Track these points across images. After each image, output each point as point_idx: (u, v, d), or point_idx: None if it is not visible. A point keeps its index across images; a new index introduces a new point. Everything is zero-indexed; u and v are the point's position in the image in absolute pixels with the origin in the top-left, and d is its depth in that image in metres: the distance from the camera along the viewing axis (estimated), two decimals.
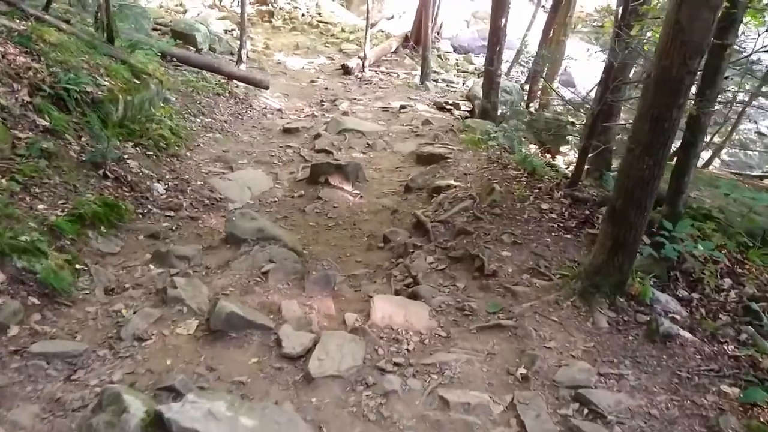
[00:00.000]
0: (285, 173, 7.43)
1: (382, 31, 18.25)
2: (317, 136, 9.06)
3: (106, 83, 6.65)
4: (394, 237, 5.44)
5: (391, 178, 7.37)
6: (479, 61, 17.97)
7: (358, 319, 3.95)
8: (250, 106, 10.92)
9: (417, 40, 16.06)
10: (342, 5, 20.38)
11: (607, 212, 4.05)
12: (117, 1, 12.19)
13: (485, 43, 20.63)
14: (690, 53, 3.47)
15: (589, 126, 6.17)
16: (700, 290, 4.71)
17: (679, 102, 3.60)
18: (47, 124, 5.76)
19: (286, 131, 9.44)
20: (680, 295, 4.62)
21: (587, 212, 5.50)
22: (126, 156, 6.28)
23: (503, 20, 9.11)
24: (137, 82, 7.28)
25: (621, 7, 5.67)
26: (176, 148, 7.49)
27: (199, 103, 9.44)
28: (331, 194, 6.57)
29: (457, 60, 17.12)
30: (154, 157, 6.78)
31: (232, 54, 13.72)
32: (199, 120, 8.90)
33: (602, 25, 8.52)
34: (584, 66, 19.36)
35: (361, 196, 6.70)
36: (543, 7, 16.65)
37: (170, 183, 6.37)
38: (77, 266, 4.47)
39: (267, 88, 11.26)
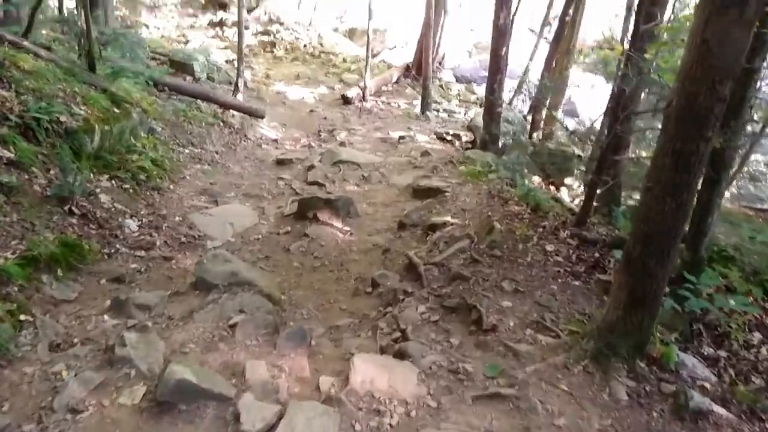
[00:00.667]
0: (272, 207, 6.89)
1: (384, 62, 17.93)
2: (311, 167, 8.55)
3: (81, 112, 6.18)
4: (383, 281, 4.85)
5: (385, 213, 6.81)
6: (481, 90, 17.57)
7: (334, 384, 3.33)
8: (245, 136, 10.45)
9: (418, 69, 15.67)
10: (345, 36, 20.13)
11: (623, 261, 3.45)
12: (112, 30, 11.93)
13: (487, 73, 20.37)
14: (719, 77, 2.92)
15: (598, 159, 5.61)
16: (727, 347, 4.08)
17: (706, 134, 3.04)
18: (12, 155, 5.26)
19: (280, 163, 8.93)
20: (705, 353, 3.99)
21: (597, 255, 4.89)
22: (98, 190, 5.76)
23: (504, 49, 8.65)
24: (117, 111, 6.81)
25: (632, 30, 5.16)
26: (158, 180, 6.98)
27: (190, 133, 8.97)
28: (319, 231, 6.01)
29: (459, 90, 16.72)
30: (131, 190, 6.25)
31: (231, 84, 13.33)
32: (187, 151, 8.41)
33: (611, 48, 8.06)
34: (588, 95, 18.94)
35: (351, 233, 6.13)
36: (545, 38, 16.28)
37: (145, 219, 5.83)
38: (22, 317, 3.89)
39: (262, 117, 10.81)
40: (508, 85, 18.88)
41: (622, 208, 6.53)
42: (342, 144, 10.32)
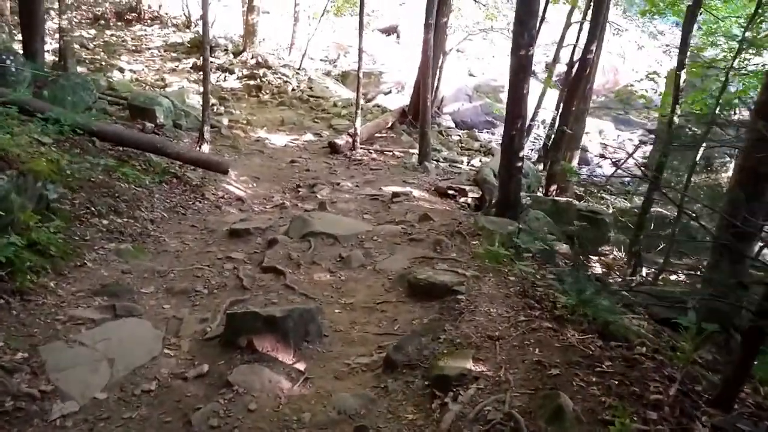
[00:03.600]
0: (193, 321, 4.24)
1: (378, 106, 15.57)
2: (272, 242, 5.96)
3: None
4: None
5: (365, 328, 4.15)
6: (484, 137, 15.17)
7: None
8: (202, 195, 7.90)
9: (415, 114, 13.26)
10: (337, 80, 17.87)
11: None
12: (52, 72, 9.55)
13: (489, 118, 17.94)
14: None
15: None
16: None
17: None
18: None
19: (233, 234, 6.34)
20: None
21: None
22: None
23: (525, 87, 6.18)
24: None
25: None
26: (32, 276, 4.39)
27: (118, 197, 6.40)
28: (251, 378, 3.36)
29: (460, 136, 14.28)
30: None
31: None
32: (104, 223, 5.83)
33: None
34: (596, 142, 16.53)
35: (306, 380, 3.45)
36: (557, 78, 13.98)
37: None
38: None
39: (225, 172, 8.29)
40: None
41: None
42: (322, 204, 7.76)
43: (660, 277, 6.81)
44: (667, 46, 14.31)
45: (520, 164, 6.35)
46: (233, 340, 3.69)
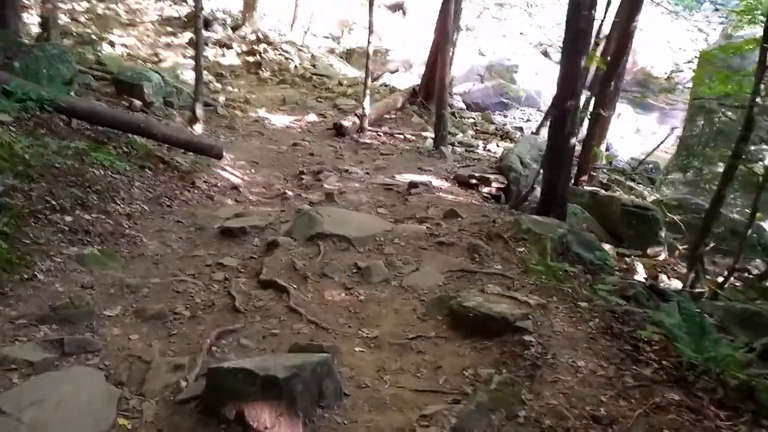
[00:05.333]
0: (165, 367, 3.00)
1: (386, 85, 14.20)
2: (272, 246, 4.73)
3: None
4: None
5: (398, 382, 2.92)
6: (498, 119, 13.87)
7: None
8: (192, 183, 6.64)
9: (427, 94, 11.95)
10: (341, 58, 16.44)
11: None
12: (24, 43, 8.21)
13: (502, 99, 16.50)
14: None
15: None
16: None
17: None
18: None
19: (226, 234, 5.10)
20: None
21: None
22: None
23: (582, 59, 4.88)
24: None
25: None
26: None
27: (87, 187, 5.13)
28: None
29: (474, 119, 12.95)
30: None
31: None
32: (67, 220, 4.58)
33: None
34: (625, 129, 15.22)
35: None
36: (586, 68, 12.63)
37: None
38: None
39: (218, 157, 7.02)
40: (530, 114, 15.19)
41: None
42: (330, 195, 6.52)
43: (725, 286, 5.64)
44: (707, 18, 12.93)
45: (571, 153, 5.11)
46: (216, 407, 2.49)
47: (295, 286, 4.02)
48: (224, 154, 7.43)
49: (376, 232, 5.05)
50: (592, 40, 5.03)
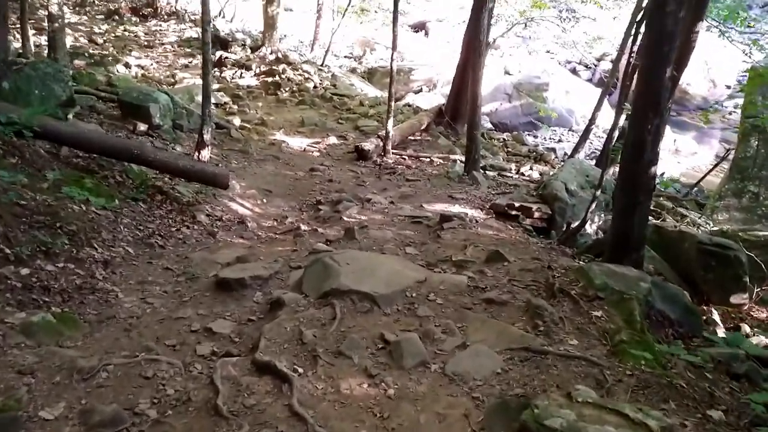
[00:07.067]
0: None
1: (409, 105, 13.17)
2: (276, 306, 3.63)
3: None
4: None
5: None
6: (530, 140, 12.69)
7: None
8: (193, 218, 5.62)
9: (454, 114, 10.88)
10: (363, 78, 15.51)
11: None
12: (19, 62, 7.39)
13: (531, 119, 15.36)
14: None
15: None
16: None
17: None
18: None
19: (222, 287, 4.02)
20: None
21: None
22: None
23: (668, 67, 3.73)
24: None
25: None
26: None
27: (59, 227, 4.12)
28: None
29: (504, 140, 11.80)
30: None
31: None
32: (21, 273, 3.55)
33: None
34: (662, 150, 13.88)
35: None
36: (612, 89, 11.47)
37: None
38: None
39: (224, 186, 6.00)
40: (566, 136, 13.96)
41: None
42: (349, 232, 5.40)
43: None
44: (762, 35, 11.68)
45: (651, 185, 3.93)
46: None
47: (300, 371, 2.90)
48: (233, 182, 6.45)
49: (406, 286, 3.91)
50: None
